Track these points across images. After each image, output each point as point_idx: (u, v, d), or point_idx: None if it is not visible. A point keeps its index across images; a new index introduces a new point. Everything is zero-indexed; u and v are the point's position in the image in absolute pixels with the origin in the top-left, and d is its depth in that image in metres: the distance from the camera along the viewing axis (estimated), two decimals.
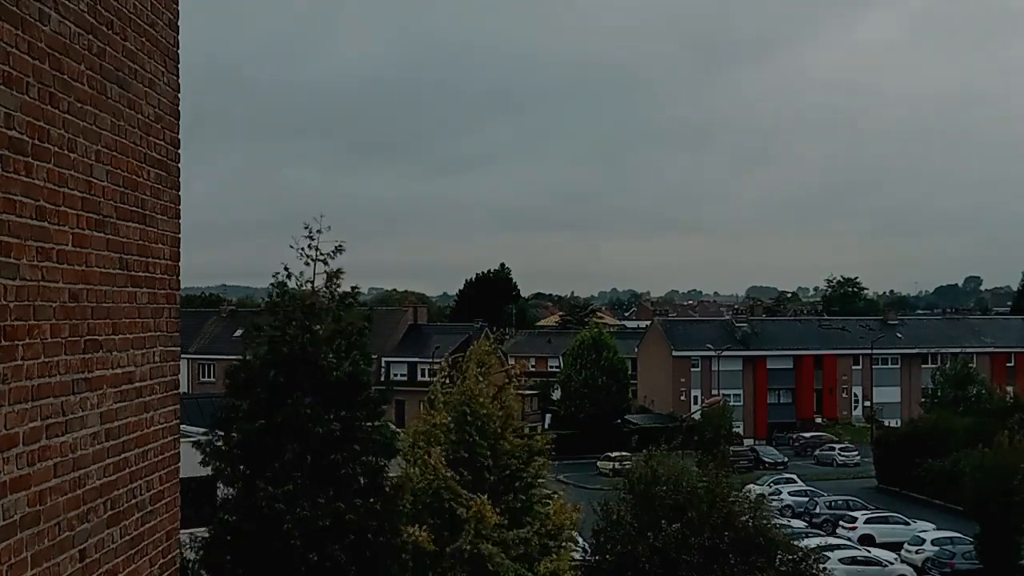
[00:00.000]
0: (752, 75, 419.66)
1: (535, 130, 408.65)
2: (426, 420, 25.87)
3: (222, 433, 19.19)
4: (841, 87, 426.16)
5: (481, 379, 26.18)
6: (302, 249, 20.15)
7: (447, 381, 27.39)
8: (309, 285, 20.30)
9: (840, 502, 56.52)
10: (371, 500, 18.87)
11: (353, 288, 21.07)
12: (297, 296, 20.02)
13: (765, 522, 30.28)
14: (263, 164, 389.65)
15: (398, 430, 24.99)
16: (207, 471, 19.10)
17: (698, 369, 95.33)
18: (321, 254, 20.21)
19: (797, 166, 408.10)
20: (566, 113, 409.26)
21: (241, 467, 18.92)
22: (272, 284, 20.44)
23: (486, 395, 25.71)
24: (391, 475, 20.93)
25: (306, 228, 20.07)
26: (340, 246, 20.26)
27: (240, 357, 20.36)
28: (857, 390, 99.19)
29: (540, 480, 26.52)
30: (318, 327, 19.63)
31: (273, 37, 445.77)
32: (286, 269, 20.17)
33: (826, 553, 36.29)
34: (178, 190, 6.05)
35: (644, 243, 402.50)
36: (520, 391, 30.95)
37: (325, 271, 20.28)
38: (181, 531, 6.36)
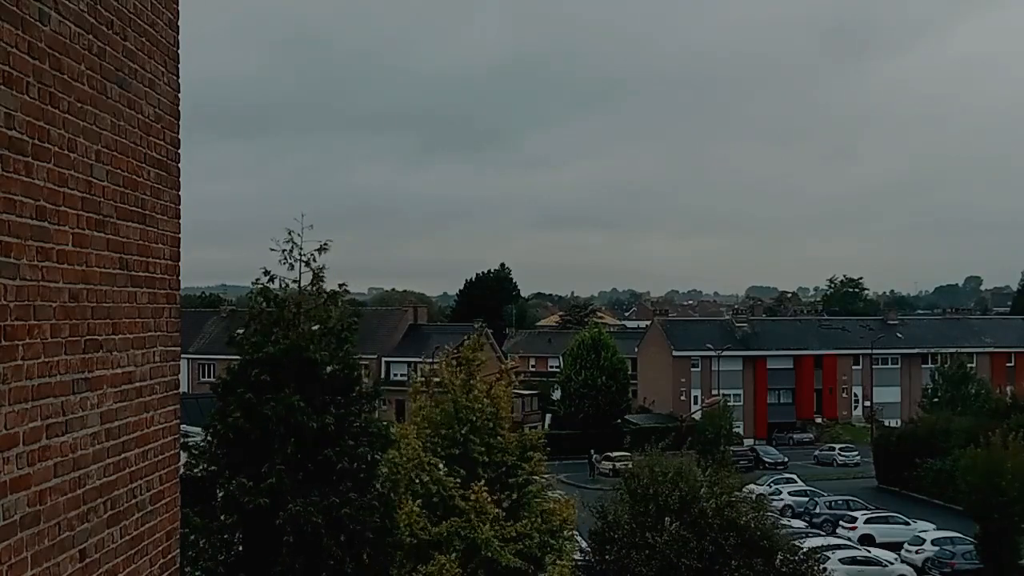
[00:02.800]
0: (873, 67, 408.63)
1: (622, 124, 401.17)
2: (411, 409, 26.00)
3: (206, 434, 19.19)
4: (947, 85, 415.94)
5: (466, 374, 26.13)
6: (284, 251, 20.18)
7: (436, 379, 27.41)
8: (295, 285, 20.31)
9: (840, 502, 56.49)
10: (366, 495, 18.86)
11: (341, 285, 21.08)
12: (282, 299, 20.01)
13: (768, 523, 30.18)
14: (343, 158, 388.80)
15: (393, 423, 25.06)
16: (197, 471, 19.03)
17: (698, 369, 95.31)
18: (303, 253, 20.25)
19: (853, 166, 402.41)
20: (664, 106, 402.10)
21: (227, 469, 18.85)
22: (252, 291, 20.43)
23: (478, 389, 25.68)
24: (383, 471, 20.92)
25: (288, 232, 20.11)
26: (324, 245, 20.31)
27: (238, 358, 20.38)
28: (857, 390, 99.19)
29: (536, 477, 26.50)
30: (305, 326, 19.66)
31: (389, 27, 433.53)
32: (266, 273, 20.14)
33: (826, 553, 36.28)
34: (178, 190, 6.05)
35: (680, 243, 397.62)
36: (517, 389, 30.92)
37: (310, 270, 20.31)
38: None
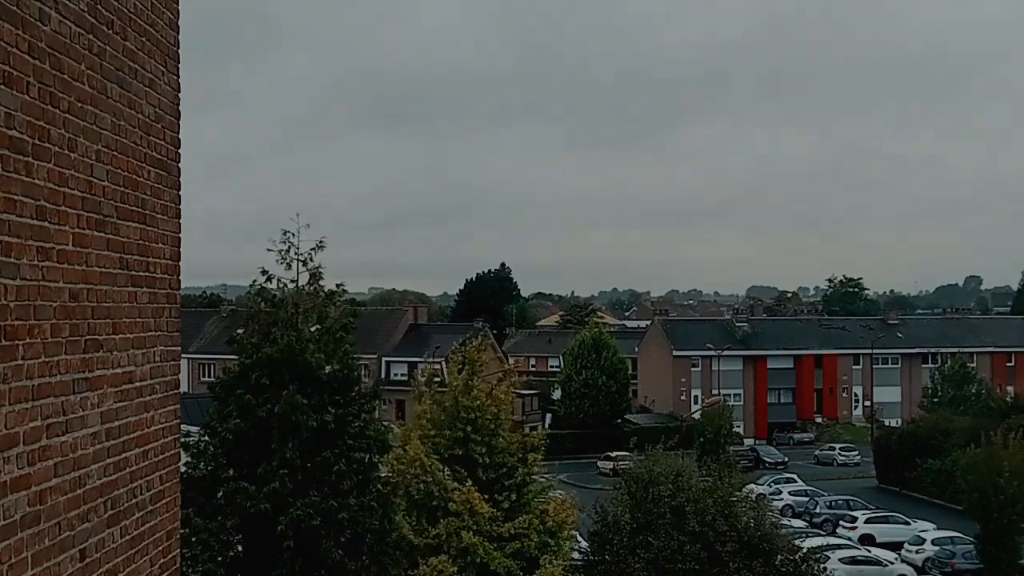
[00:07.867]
0: None
1: (783, 113, 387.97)
2: (414, 412, 25.95)
3: (203, 434, 19.16)
4: None
5: (467, 375, 26.08)
6: (281, 252, 20.18)
7: (436, 379, 27.41)
8: (293, 285, 20.31)
9: (840, 502, 56.53)
10: (365, 497, 18.83)
11: (339, 285, 21.08)
12: (280, 299, 20.00)
13: (768, 524, 30.01)
14: (501, 147, 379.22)
15: (393, 425, 25.03)
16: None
17: (698, 369, 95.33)
18: (299, 253, 20.25)
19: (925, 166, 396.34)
20: (844, 94, 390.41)
21: (229, 468, 18.80)
22: (250, 291, 20.42)
23: (479, 390, 25.66)
24: (382, 474, 20.88)
25: (284, 233, 20.09)
26: (321, 243, 20.32)
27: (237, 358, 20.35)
28: (857, 390, 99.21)
29: (534, 478, 26.47)
30: (303, 326, 19.67)
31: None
32: (264, 273, 20.12)
33: (826, 553, 36.22)
34: (178, 190, 6.05)
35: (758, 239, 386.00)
36: (518, 390, 30.89)
37: (307, 271, 20.32)
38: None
